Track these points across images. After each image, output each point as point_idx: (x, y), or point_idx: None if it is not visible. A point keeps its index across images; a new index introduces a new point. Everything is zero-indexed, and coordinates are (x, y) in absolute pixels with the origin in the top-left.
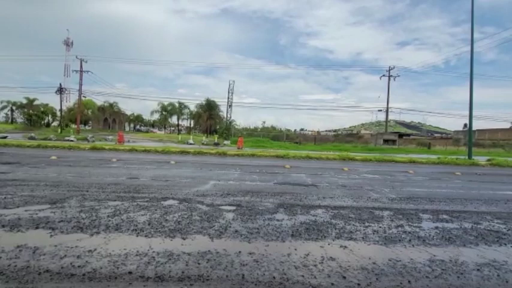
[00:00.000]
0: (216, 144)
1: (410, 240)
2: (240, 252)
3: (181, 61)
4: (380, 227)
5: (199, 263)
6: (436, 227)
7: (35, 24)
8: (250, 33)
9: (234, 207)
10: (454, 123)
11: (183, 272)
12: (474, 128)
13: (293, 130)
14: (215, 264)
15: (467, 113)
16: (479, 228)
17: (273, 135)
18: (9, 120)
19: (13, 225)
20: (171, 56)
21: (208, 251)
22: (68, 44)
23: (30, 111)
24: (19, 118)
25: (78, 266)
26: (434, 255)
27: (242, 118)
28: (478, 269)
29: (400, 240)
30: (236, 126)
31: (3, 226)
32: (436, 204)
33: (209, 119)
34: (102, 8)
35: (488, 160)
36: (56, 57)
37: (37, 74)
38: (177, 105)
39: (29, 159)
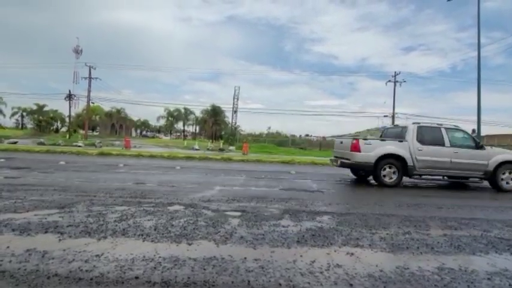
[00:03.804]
0: (222, 149)
1: (418, 247)
2: (245, 258)
3: (187, 67)
4: (387, 233)
5: (205, 269)
6: (445, 234)
7: (45, 32)
8: (255, 39)
9: (239, 213)
10: (462, 128)
11: (188, 278)
12: (483, 133)
13: (298, 136)
14: (221, 270)
15: (475, 118)
16: (489, 235)
17: (278, 141)
18: (20, 126)
19: (23, 230)
20: (177, 63)
21: (214, 256)
22: (77, 51)
23: (40, 117)
24: (29, 124)
25: (86, 270)
26: (443, 263)
27: (247, 124)
28: (488, 278)
29: (407, 247)
30: (241, 132)
31: (13, 230)
32: (444, 211)
33: (214, 125)
34: (110, 17)
35: None
36: (65, 64)
37: (47, 81)
38: (182, 111)
39: (38, 164)
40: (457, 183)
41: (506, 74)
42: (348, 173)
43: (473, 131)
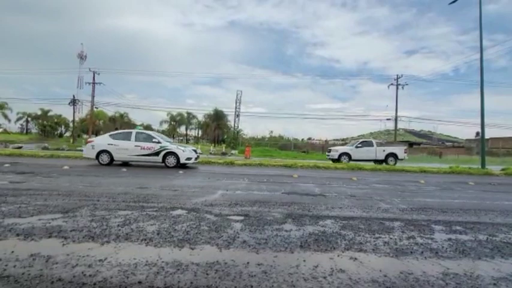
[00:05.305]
0: (224, 153)
1: (422, 252)
2: (248, 263)
3: (190, 72)
4: (391, 238)
5: (207, 274)
6: (449, 239)
7: (50, 38)
8: (257, 44)
9: (242, 217)
10: (465, 131)
11: (191, 283)
12: (487, 136)
13: (300, 139)
14: (223, 275)
15: (479, 120)
16: (494, 240)
17: (280, 145)
18: (25, 131)
19: (27, 234)
20: (180, 67)
21: (217, 261)
22: (81, 57)
23: (45, 122)
24: (34, 129)
25: (90, 275)
26: (448, 268)
27: (249, 127)
28: (494, 284)
29: (411, 252)
30: (243, 136)
31: (17, 235)
32: (449, 215)
33: (217, 129)
34: (114, 23)
35: (503, 169)
36: (69, 70)
37: (52, 86)
38: (185, 115)
39: (43, 169)
40: None
41: (510, 76)
42: (344, 176)
43: (477, 133)
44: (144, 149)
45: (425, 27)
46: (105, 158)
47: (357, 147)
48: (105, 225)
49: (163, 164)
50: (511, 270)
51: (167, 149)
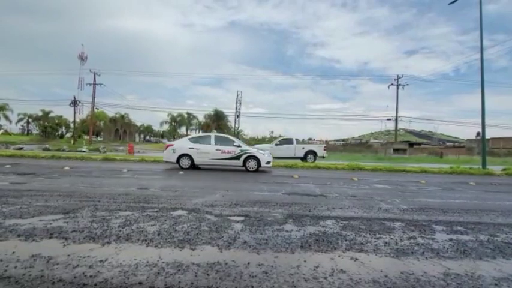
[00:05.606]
0: None
1: (423, 252)
2: (248, 263)
3: (190, 73)
4: (391, 238)
5: (208, 274)
6: (451, 239)
7: (51, 39)
8: (257, 44)
9: (242, 218)
10: (466, 131)
11: (192, 283)
12: (488, 136)
13: (301, 140)
14: (224, 276)
15: (479, 121)
16: (496, 240)
17: None
18: (26, 132)
19: (28, 235)
20: (180, 68)
21: (217, 262)
22: (82, 58)
23: (45, 123)
24: (35, 130)
25: (90, 276)
26: (449, 269)
27: (250, 128)
28: (496, 284)
29: (412, 252)
30: (244, 136)
31: (18, 236)
32: (450, 215)
33: (217, 129)
34: (115, 24)
35: (504, 169)
36: (70, 71)
37: (52, 87)
38: (186, 115)
39: (44, 170)
40: None
41: (510, 76)
42: (344, 176)
43: (478, 134)
44: (224, 152)
45: (426, 27)
46: (185, 162)
47: (276, 145)
48: (105, 226)
49: (243, 168)
50: None
51: (248, 152)
